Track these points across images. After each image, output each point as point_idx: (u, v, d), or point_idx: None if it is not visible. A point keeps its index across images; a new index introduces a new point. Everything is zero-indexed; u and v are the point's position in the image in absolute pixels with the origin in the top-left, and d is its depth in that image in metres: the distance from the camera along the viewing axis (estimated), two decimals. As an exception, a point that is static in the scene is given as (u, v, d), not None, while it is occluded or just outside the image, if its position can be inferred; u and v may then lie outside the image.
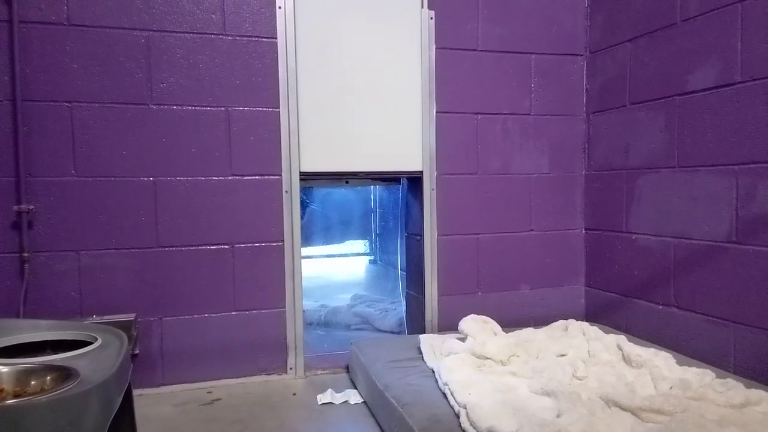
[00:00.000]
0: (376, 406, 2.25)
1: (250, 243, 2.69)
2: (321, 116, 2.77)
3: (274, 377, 2.74)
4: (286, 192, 2.73)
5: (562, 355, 2.41)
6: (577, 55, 3.19)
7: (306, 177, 2.80)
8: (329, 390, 2.52)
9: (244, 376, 2.70)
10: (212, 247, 2.65)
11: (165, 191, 2.58)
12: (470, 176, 3.03)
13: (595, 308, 3.18)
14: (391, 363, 2.38)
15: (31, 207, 2.41)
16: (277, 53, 2.69)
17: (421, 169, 2.95)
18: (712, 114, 2.42)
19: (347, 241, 5.12)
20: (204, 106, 2.61)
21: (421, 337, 2.61)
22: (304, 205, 4.41)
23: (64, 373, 1.28)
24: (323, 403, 2.42)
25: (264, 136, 2.69)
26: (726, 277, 2.37)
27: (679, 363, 2.26)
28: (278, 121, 2.70)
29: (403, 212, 3.37)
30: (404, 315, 3.37)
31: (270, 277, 2.72)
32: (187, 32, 2.58)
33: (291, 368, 2.76)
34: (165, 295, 2.59)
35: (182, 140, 2.59)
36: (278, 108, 2.70)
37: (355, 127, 2.83)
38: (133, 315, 2.52)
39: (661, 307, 2.70)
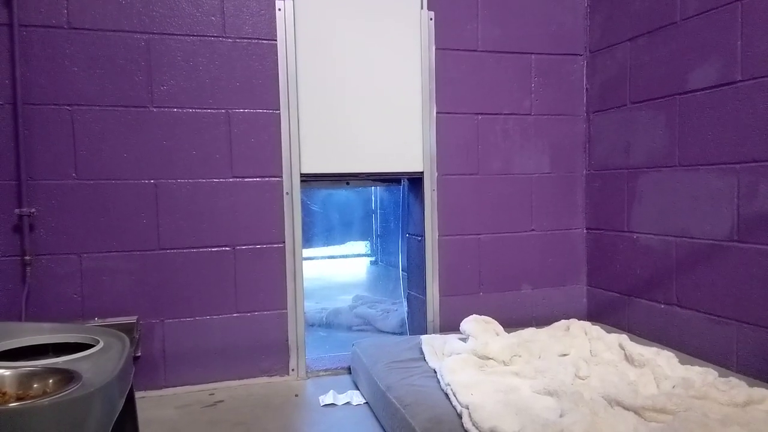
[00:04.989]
0: (379, 407, 2.25)
1: (251, 245, 2.69)
2: (321, 117, 2.77)
3: (276, 379, 2.74)
4: (287, 193, 2.73)
5: (565, 355, 2.41)
6: (577, 54, 3.19)
7: (307, 178, 2.80)
8: (331, 391, 2.52)
9: (246, 378, 2.70)
10: (213, 249, 2.65)
11: (166, 193, 2.58)
12: (471, 177, 3.03)
13: (597, 308, 3.18)
14: (393, 364, 2.38)
15: (33, 210, 2.41)
16: (277, 55, 2.69)
17: (421, 170, 2.95)
18: (713, 113, 2.42)
19: (348, 243, 5.13)
20: (204, 109, 2.61)
21: (423, 337, 2.61)
22: (305, 207, 4.41)
23: (67, 376, 1.28)
24: (325, 405, 2.42)
25: (264, 137, 2.69)
26: (728, 275, 2.36)
27: (682, 362, 2.26)
28: (279, 122, 2.71)
29: (404, 213, 3.37)
30: (406, 316, 3.37)
31: (271, 278, 2.72)
32: (187, 35, 2.58)
33: (293, 369, 2.76)
34: (167, 297, 2.59)
35: (183, 142, 2.59)
36: (278, 110, 2.70)
37: (356, 129, 2.83)
38: (135, 317, 2.53)
39: (663, 306, 2.70)
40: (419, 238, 3.05)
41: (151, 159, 2.56)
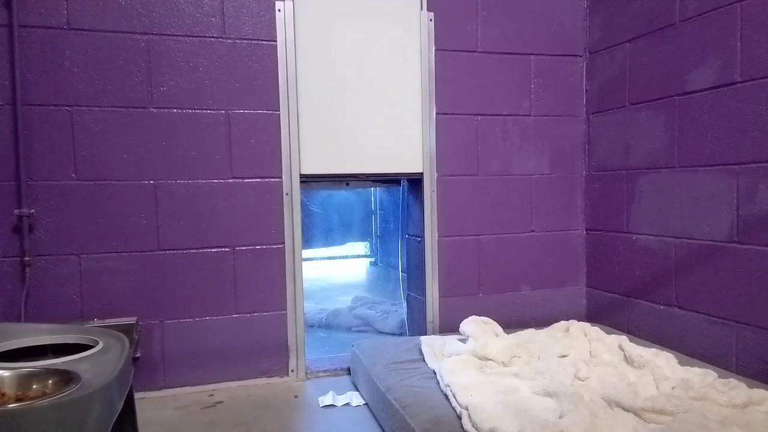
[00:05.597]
0: (378, 408, 2.25)
1: (250, 246, 2.69)
2: (321, 118, 2.77)
3: (276, 380, 2.74)
4: (287, 194, 2.73)
5: (564, 356, 2.41)
6: (577, 55, 3.19)
7: (306, 179, 2.80)
8: (331, 392, 2.52)
9: (246, 379, 2.70)
10: (213, 250, 2.65)
11: (166, 194, 2.58)
12: (470, 177, 3.03)
13: (597, 309, 3.18)
14: (393, 365, 2.38)
15: (32, 211, 2.41)
16: (276, 56, 2.69)
17: (421, 171, 2.95)
18: (712, 114, 2.42)
19: (348, 243, 5.13)
20: (204, 109, 2.62)
21: (423, 338, 2.61)
22: (304, 208, 4.41)
23: (66, 377, 1.28)
24: (325, 406, 2.42)
25: (264, 138, 2.69)
26: (727, 276, 2.36)
27: (681, 363, 2.26)
28: (278, 123, 2.71)
29: (403, 214, 3.37)
30: (405, 317, 3.37)
31: (271, 279, 2.72)
32: (187, 35, 2.58)
33: (292, 370, 2.76)
34: (166, 298, 2.59)
35: (183, 143, 2.59)
36: (278, 110, 2.70)
37: (356, 129, 2.83)
38: (135, 318, 2.52)
39: (662, 307, 2.70)
40: (419, 239, 3.05)
41: (150, 160, 2.56)
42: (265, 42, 2.68)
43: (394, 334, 3.47)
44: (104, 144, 2.50)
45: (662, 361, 2.25)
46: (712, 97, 2.42)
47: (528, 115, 3.11)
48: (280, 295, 2.74)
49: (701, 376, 2.08)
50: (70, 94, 2.45)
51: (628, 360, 2.31)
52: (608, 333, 2.65)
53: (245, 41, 2.65)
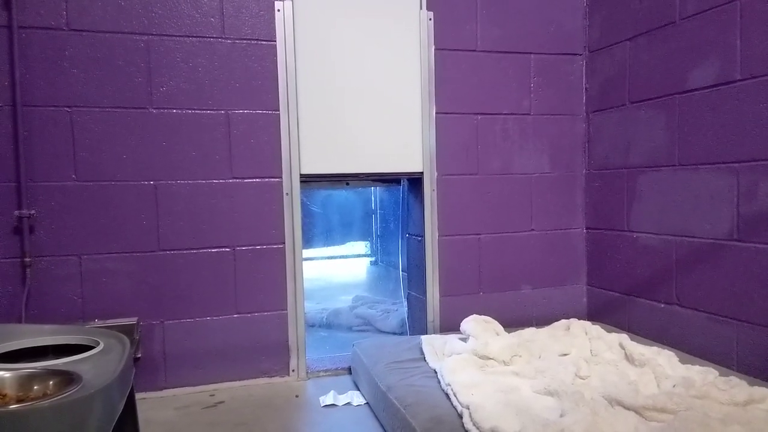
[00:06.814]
0: (379, 407, 2.25)
1: (251, 245, 2.69)
2: (321, 118, 2.77)
3: (277, 379, 2.74)
4: (287, 194, 2.73)
5: (565, 355, 2.41)
6: (577, 54, 3.19)
7: (306, 179, 2.80)
8: (332, 392, 2.52)
9: (247, 379, 2.70)
10: (213, 250, 2.65)
11: (166, 195, 2.58)
12: (471, 177, 3.03)
13: (597, 307, 3.18)
14: (394, 364, 2.38)
15: (33, 212, 2.41)
16: (276, 56, 2.69)
17: (421, 170, 2.95)
18: (713, 112, 2.42)
19: (348, 243, 5.13)
20: (204, 110, 2.62)
21: (423, 337, 2.61)
22: (304, 208, 4.41)
23: (67, 378, 1.28)
24: (326, 405, 2.42)
25: (264, 138, 2.69)
26: (728, 274, 2.36)
27: (682, 361, 2.26)
28: (278, 123, 2.71)
29: (403, 213, 3.37)
30: (406, 316, 3.37)
31: (271, 279, 2.72)
32: (187, 36, 2.58)
33: (293, 370, 2.76)
34: (167, 298, 2.59)
35: (183, 144, 2.59)
36: (278, 110, 2.70)
37: (355, 129, 2.83)
38: (135, 319, 2.53)
39: (663, 305, 2.70)
40: (419, 239, 3.05)
41: (150, 160, 2.56)
42: (264, 42, 2.68)
43: (394, 334, 3.47)
44: (104, 145, 2.50)
45: (663, 359, 2.25)
46: (712, 95, 2.42)
47: (528, 114, 3.11)
48: (281, 295, 2.74)
49: (702, 374, 2.08)
50: (69, 95, 2.45)
51: (629, 358, 2.31)
52: (609, 331, 2.65)
53: (245, 41, 2.65)
